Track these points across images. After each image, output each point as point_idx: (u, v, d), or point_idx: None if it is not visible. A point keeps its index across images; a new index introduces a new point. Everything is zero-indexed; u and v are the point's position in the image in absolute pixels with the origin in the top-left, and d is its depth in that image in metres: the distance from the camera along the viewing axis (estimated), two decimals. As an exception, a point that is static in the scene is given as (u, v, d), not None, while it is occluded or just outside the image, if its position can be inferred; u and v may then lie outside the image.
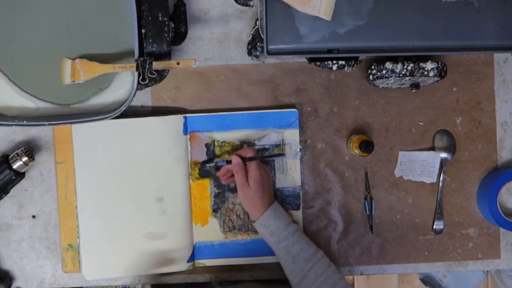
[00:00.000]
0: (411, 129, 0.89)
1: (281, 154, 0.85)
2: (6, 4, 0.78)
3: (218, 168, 0.85)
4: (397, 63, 0.78)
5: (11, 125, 0.76)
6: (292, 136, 0.87)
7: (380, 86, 0.85)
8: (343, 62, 0.81)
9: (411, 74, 0.78)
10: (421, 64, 0.78)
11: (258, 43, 0.84)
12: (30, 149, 0.84)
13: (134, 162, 0.85)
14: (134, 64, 0.73)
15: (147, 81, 0.74)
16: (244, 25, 0.87)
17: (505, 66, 0.89)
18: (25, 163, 0.81)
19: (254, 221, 0.82)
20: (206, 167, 0.85)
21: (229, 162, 0.82)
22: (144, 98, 0.87)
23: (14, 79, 0.80)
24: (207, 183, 0.87)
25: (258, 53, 0.85)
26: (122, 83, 0.80)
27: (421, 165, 0.88)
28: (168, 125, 0.85)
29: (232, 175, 0.82)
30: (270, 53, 0.75)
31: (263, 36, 0.74)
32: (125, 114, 0.79)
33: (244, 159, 0.81)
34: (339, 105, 0.88)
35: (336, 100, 0.88)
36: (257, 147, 0.86)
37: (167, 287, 0.97)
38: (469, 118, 0.89)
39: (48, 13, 0.78)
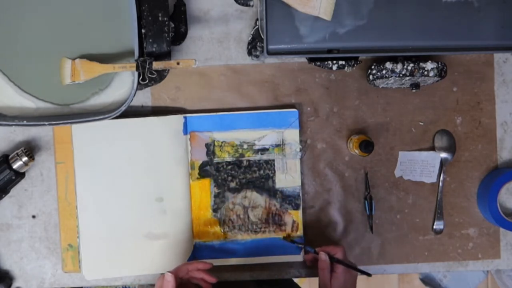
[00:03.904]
0: (411, 129, 0.89)
1: (368, 274, 0.82)
2: (6, 4, 0.78)
3: (306, 251, 0.85)
4: (397, 63, 0.78)
5: (11, 125, 0.76)
6: (292, 136, 0.87)
7: (380, 86, 0.85)
8: (343, 62, 0.81)
9: (411, 74, 0.78)
10: (421, 64, 0.78)
11: (258, 43, 0.84)
12: (30, 149, 0.84)
13: (134, 162, 0.85)
14: (134, 64, 0.73)
15: (147, 81, 0.74)
16: (244, 25, 0.87)
17: (505, 66, 0.89)
18: (25, 163, 0.81)
19: None
20: (296, 245, 0.86)
21: (316, 252, 0.82)
22: (144, 98, 0.87)
23: (14, 79, 0.80)
24: (207, 183, 0.87)
25: (258, 53, 0.85)
26: (122, 83, 0.80)
27: (421, 165, 0.88)
28: (168, 125, 0.85)
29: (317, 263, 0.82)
30: (270, 53, 0.75)
31: (263, 36, 0.74)
32: (125, 114, 0.79)
33: (332, 259, 0.80)
34: (339, 105, 0.88)
35: (336, 100, 0.88)
36: (257, 147, 0.86)
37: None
38: (469, 118, 0.89)
39: (48, 13, 0.78)
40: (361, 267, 0.89)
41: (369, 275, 0.82)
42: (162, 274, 0.72)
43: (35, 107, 0.80)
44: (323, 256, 0.80)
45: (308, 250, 0.84)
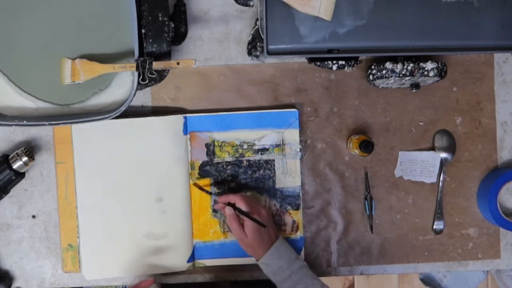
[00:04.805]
0: (411, 129, 0.89)
1: (262, 224, 0.80)
2: (7, 4, 0.78)
3: (215, 201, 0.86)
4: (397, 63, 0.78)
5: (11, 125, 0.76)
6: (292, 136, 0.87)
7: (380, 86, 0.85)
8: (343, 62, 0.81)
9: (411, 74, 0.78)
10: (421, 64, 0.78)
11: (258, 43, 0.84)
12: (30, 149, 0.84)
13: (134, 162, 0.85)
14: (134, 64, 0.73)
15: (147, 81, 0.74)
16: (244, 25, 0.87)
17: (505, 66, 0.89)
18: (25, 163, 0.81)
19: (257, 260, 0.80)
20: (206, 192, 0.86)
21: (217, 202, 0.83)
22: (144, 98, 0.87)
23: (14, 79, 0.80)
24: (207, 183, 0.86)
25: (258, 53, 0.85)
26: (122, 83, 0.80)
27: (421, 165, 0.88)
28: (168, 125, 0.85)
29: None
30: (270, 53, 0.75)
31: (263, 36, 0.74)
32: (125, 114, 0.79)
33: (237, 210, 0.79)
34: (339, 105, 0.88)
35: (336, 100, 0.88)
36: (257, 147, 0.86)
37: (168, 287, 0.97)
38: (469, 118, 0.89)
39: (48, 13, 0.79)
40: (361, 267, 0.89)
41: (263, 226, 0.79)
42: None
43: (35, 107, 0.80)
44: (227, 210, 0.80)
45: (215, 200, 0.85)
